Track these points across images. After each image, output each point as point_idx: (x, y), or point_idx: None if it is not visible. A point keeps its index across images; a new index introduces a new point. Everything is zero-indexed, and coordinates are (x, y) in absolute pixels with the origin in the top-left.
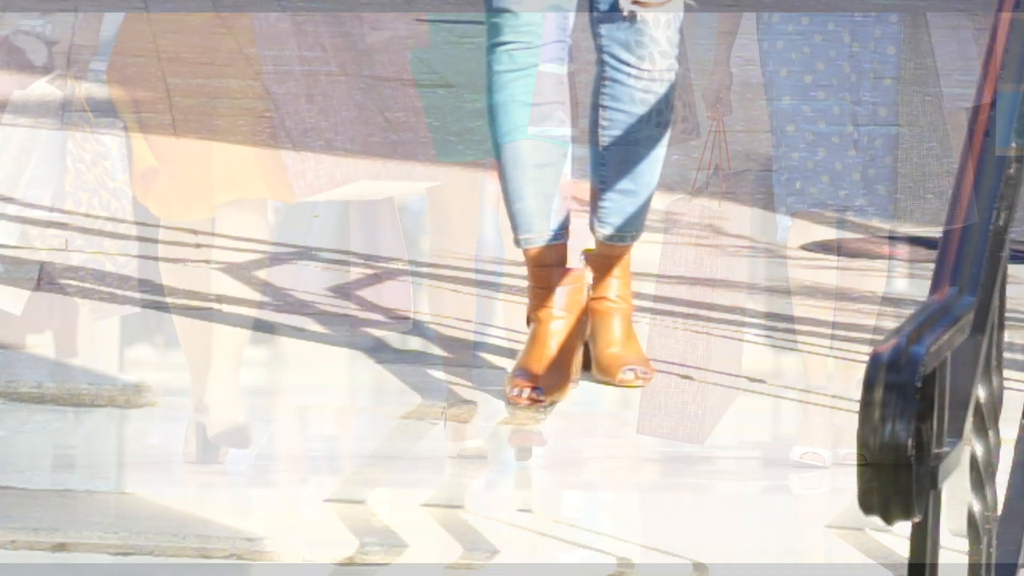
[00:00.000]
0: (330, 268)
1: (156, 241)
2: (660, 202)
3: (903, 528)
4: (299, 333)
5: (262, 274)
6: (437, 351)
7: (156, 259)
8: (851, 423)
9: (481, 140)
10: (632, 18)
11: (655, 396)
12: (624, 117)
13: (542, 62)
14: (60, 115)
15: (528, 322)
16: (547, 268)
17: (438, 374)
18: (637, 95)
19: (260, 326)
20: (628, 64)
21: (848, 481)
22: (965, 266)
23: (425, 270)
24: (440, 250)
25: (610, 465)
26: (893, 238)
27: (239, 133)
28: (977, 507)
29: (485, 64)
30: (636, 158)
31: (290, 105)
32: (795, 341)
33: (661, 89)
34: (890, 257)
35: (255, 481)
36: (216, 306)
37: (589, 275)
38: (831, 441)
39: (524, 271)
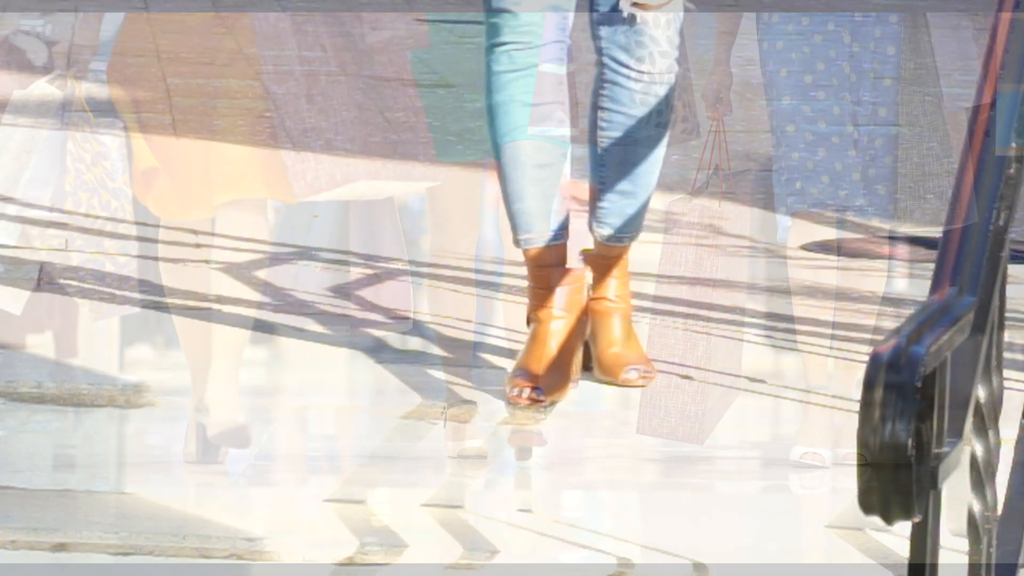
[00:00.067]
0: (330, 268)
1: (156, 241)
2: (660, 202)
3: (903, 528)
4: (299, 333)
5: (262, 274)
6: (437, 351)
7: (156, 259)
8: (851, 423)
9: (481, 140)
10: (631, 20)
11: (655, 396)
12: (623, 119)
13: (541, 62)
14: (60, 115)
15: (528, 322)
16: (547, 268)
17: (438, 374)
18: (637, 97)
19: (260, 326)
20: (628, 67)
21: (848, 481)
22: (965, 266)
23: (425, 270)
24: (440, 250)
25: (610, 465)
26: (893, 238)
27: (239, 133)
28: (977, 507)
29: (484, 64)
30: (635, 159)
31: (290, 105)
32: (795, 341)
33: (661, 91)
34: (890, 257)
35: (255, 481)
36: (216, 306)
37: (589, 275)
38: (831, 441)
39: (524, 271)
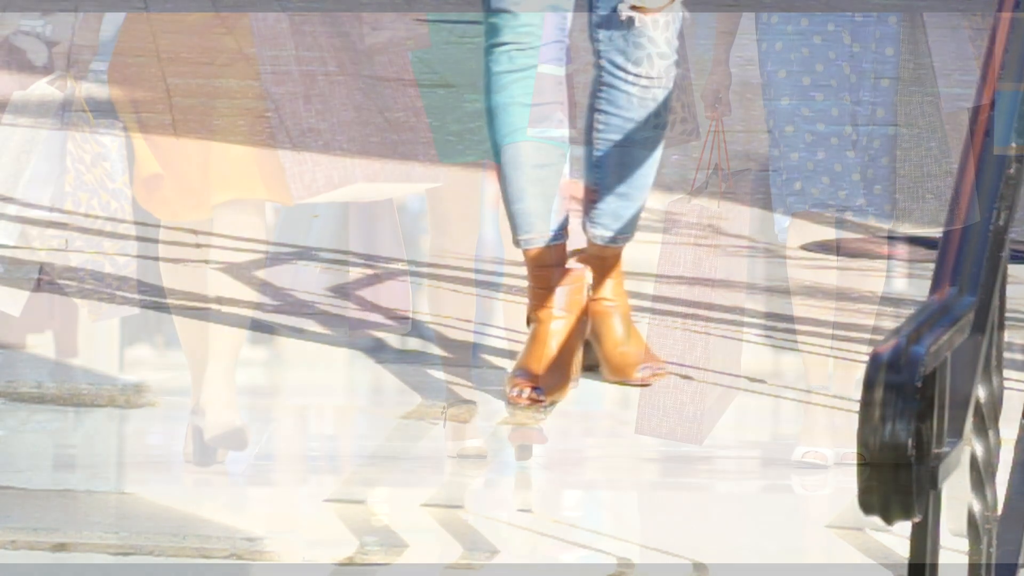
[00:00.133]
0: (330, 268)
1: (155, 241)
2: (659, 202)
3: (903, 528)
4: (299, 333)
5: (262, 274)
6: (437, 351)
7: (156, 259)
8: (851, 423)
9: (481, 140)
10: (630, 22)
11: (654, 396)
12: (620, 122)
13: (541, 63)
14: (60, 116)
15: (528, 322)
16: (547, 268)
17: (438, 374)
18: (634, 100)
19: (259, 326)
20: (625, 70)
21: (849, 481)
22: (965, 266)
23: (425, 270)
24: (440, 251)
25: (610, 465)
26: (893, 238)
27: (239, 133)
28: (977, 507)
29: (483, 64)
30: (632, 161)
31: (290, 105)
32: (795, 341)
33: (659, 94)
34: (889, 257)
35: (255, 481)
36: (215, 307)
37: (589, 275)
38: (833, 440)
39: (524, 271)
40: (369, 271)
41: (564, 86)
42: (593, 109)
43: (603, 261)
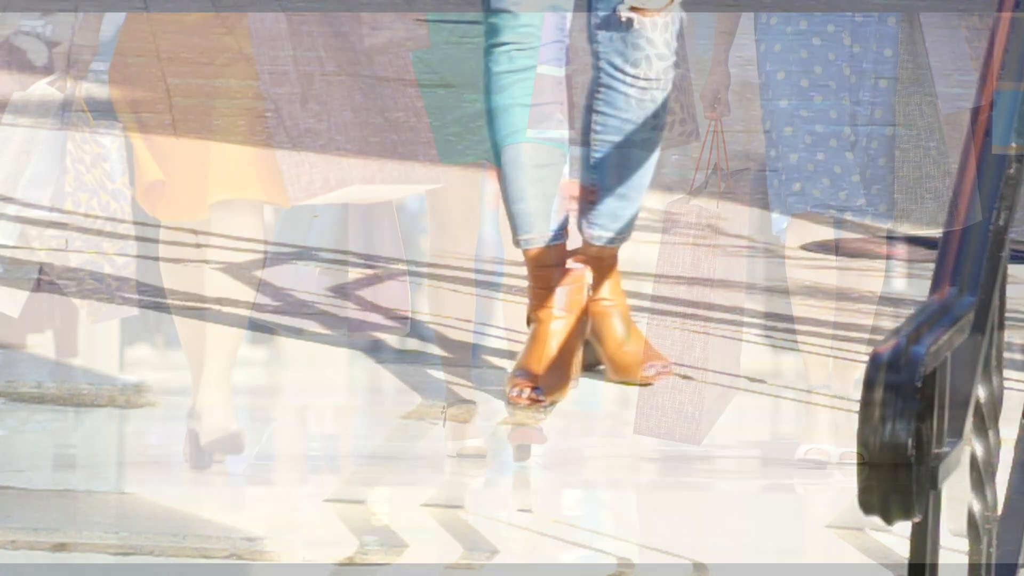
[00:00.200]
0: (329, 269)
1: (155, 241)
2: (658, 202)
3: (903, 528)
4: (298, 333)
5: (261, 275)
6: (436, 351)
7: (156, 259)
8: (851, 422)
9: (481, 140)
10: (629, 24)
11: (653, 397)
12: (618, 123)
13: (541, 63)
14: (60, 116)
15: (528, 322)
16: (547, 268)
17: (438, 374)
18: (633, 102)
19: (259, 326)
20: (624, 72)
21: (849, 481)
22: (965, 266)
23: (425, 270)
24: (440, 251)
25: (610, 465)
26: (892, 238)
27: (238, 133)
28: (977, 507)
29: (483, 65)
30: (629, 162)
31: (290, 106)
32: (795, 341)
33: (658, 96)
34: (889, 257)
35: (255, 481)
36: (215, 307)
37: (589, 275)
38: (835, 438)
39: (524, 271)
40: (368, 271)
41: (564, 86)
42: (591, 110)
43: (600, 262)
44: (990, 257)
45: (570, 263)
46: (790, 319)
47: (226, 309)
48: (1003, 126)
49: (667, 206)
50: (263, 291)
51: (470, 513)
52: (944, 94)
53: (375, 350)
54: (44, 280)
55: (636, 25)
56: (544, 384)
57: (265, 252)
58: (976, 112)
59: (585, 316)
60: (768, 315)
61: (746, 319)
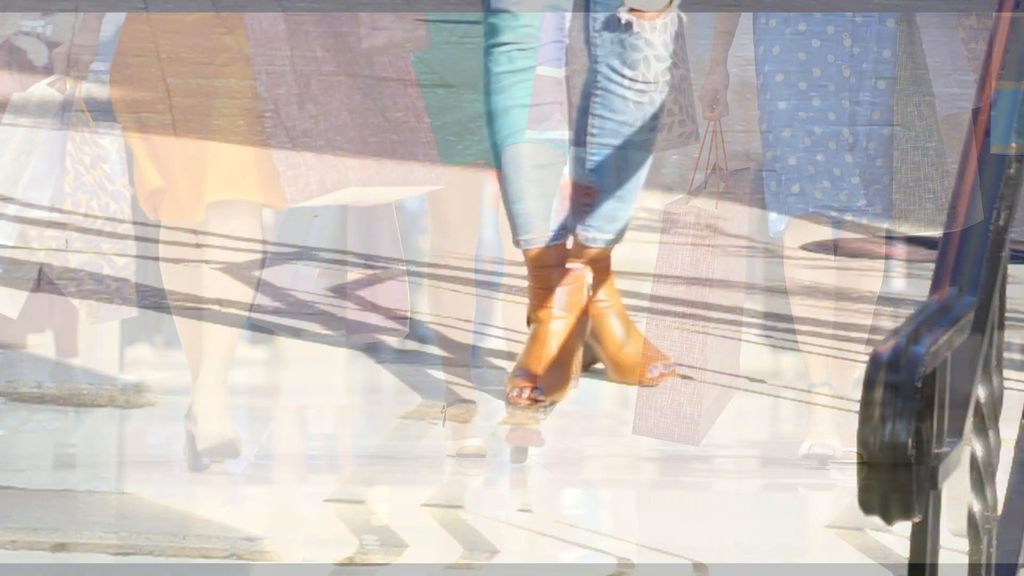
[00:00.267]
0: (329, 269)
1: (155, 242)
2: (658, 202)
3: (903, 528)
4: (298, 333)
5: (261, 275)
6: (436, 351)
7: (156, 259)
8: (851, 422)
9: (481, 139)
10: (628, 26)
11: (652, 397)
12: (615, 126)
13: (540, 63)
14: (59, 117)
15: (528, 322)
16: (547, 268)
17: (438, 374)
18: (631, 104)
19: (259, 326)
20: (622, 74)
21: (849, 481)
22: (965, 266)
23: (425, 271)
24: (440, 252)
25: (609, 464)
26: (891, 238)
27: (238, 133)
28: (977, 507)
29: (483, 65)
30: (626, 164)
31: (289, 106)
32: (794, 341)
33: (656, 98)
34: (888, 257)
35: (255, 481)
36: (215, 307)
37: (589, 275)
38: (838, 432)
39: (524, 271)
40: (367, 271)
41: (563, 87)
42: (588, 112)
43: (594, 263)
44: (990, 257)
45: (570, 263)
46: (789, 319)
47: (224, 310)
48: (1003, 126)
49: (666, 206)
50: (263, 291)
51: (470, 513)
52: (942, 94)
53: (375, 350)
54: (44, 280)
55: (635, 27)
56: (544, 384)
57: (264, 252)
58: (976, 112)
59: (585, 316)
60: (767, 315)
61: (745, 319)
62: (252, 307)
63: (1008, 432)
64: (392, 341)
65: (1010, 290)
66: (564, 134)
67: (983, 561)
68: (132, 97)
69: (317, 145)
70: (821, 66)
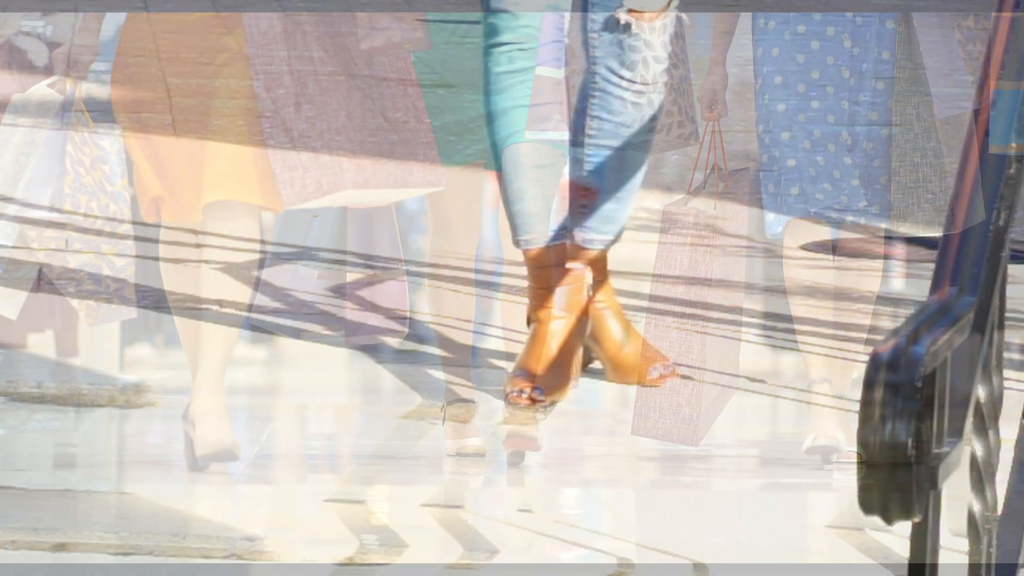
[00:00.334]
0: (328, 269)
1: (155, 242)
2: (657, 202)
3: (903, 528)
4: (297, 334)
5: (261, 275)
6: (436, 351)
7: (156, 260)
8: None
9: (482, 140)
10: (627, 28)
11: (651, 397)
12: (613, 127)
13: (540, 64)
14: (59, 117)
15: (528, 322)
16: (547, 269)
17: (437, 374)
18: (629, 106)
19: (259, 326)
20: (620, 76)
21: (849, 481)
22: (965, 266)
23: (425, 270)
24: (440, 252)
25: (609, 464)
26: (891, 238)
27: (237, 133)
28: (977, 507)
29: (482, 65)
30: (623, 165)
31: (288, 107)
32: (794, 341)
33: (654, 99)
34: (887, 257)
35: (255, 481)
36: (214, 308)
37: (589, 275)
38: (841, 425)
39: (524, 271)
40: (367, 272)
41: (563, 87)
42: (585, 113)
43: (591, 264)
44: (990, 257)
45: (570, 263)
46: (789, 319)
47: (224, 310)
48: (1003, 126)
49: (666, 206)
50: (263, 291)
51: (470, 513)
52: (941, 95)
53: (375, 350)
54: (43, 281)
55: (634, 28)
56: (544, 384)
57: (263, 253)
58: (976, 112)
59: (585, 316)
60: (767, 315)
61: (745, 319)
62: (251, 307)
63: (1008, 432)
64: (392, 341)
65: (1010, 290)
66: (564, 134)
67: (983, 561)
68: (132, 97)
69: (316, 146)
70: (820, 68)
